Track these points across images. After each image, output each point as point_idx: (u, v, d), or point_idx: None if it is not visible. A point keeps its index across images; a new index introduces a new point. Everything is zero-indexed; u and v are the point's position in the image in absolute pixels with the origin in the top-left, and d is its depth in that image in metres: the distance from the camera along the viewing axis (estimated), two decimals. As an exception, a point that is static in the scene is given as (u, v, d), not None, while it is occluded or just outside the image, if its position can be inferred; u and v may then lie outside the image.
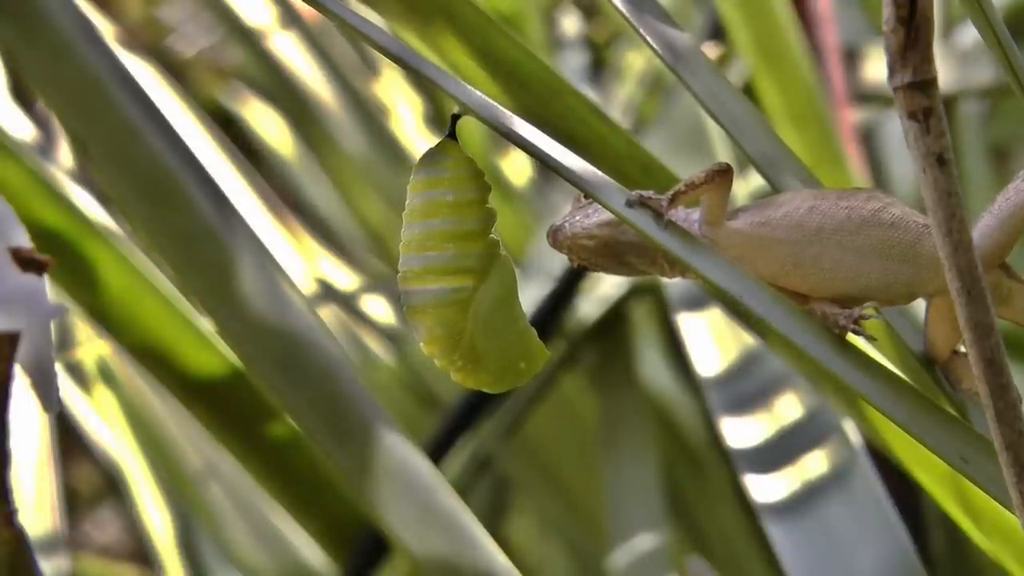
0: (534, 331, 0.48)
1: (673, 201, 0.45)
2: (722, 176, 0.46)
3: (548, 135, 0.44)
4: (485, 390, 0.48)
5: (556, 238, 0.48)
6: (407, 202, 0.47)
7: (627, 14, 0.48)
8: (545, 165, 0.44)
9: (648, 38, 0.48)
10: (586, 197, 0.47)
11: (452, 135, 0.47)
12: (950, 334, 0.48)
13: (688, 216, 0.47)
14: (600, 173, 0.44)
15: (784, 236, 0.46)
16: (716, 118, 0.48)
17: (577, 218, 0.48)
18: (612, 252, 0.48)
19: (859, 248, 0.46)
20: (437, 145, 0.47)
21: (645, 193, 0.44)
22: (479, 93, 0.44)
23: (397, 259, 0.47)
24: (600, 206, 0.46)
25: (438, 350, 0.47)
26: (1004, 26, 0.45)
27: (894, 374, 0.45)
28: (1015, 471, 0.40)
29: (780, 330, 0.43)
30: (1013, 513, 0.41)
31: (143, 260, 0.66)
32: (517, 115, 0.44)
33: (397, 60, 0.44)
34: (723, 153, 0.86)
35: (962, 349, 0.48)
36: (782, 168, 0.49)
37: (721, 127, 0.48)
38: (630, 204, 0.44)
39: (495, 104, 0.44)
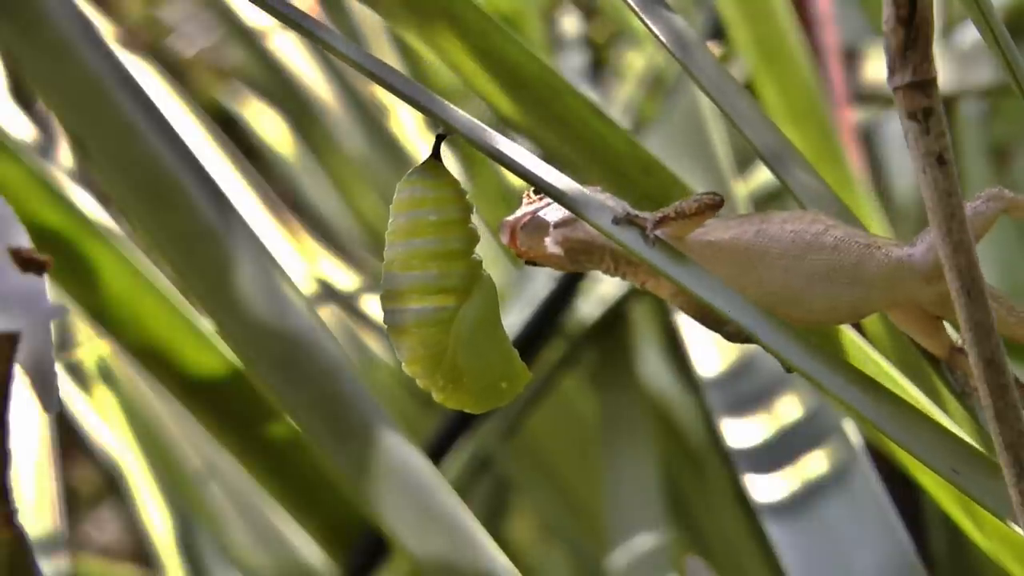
0: (516, 352, 0.48)
1: (659, 224, 0.45)
2: (712, 210, 0.46)
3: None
4: (467, 410, 0.48)
5: (514, 233, 0.48)
6: (390, 221, 0.47)
7: (635, 7, 0.48)
8: (531, 183, 0.44)
9: (656, 31, 0.48)
10: (536, 193, 0.47)
11: (436, 155, 0.47)
12: (930, 332, 0.48)
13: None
14: (586, 191, 0.44)
15: (730, 259, 0.47)
16: (722, 109, 0.48)
17: (542, 216, 0.48)
18: (567, 250, 0.48)
19: (804, 272, 0.47)
20: (421, 164, 0.47)
21: (631, 212, 0.44)
22: (462, 112, 0.44)
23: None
24: (553, 204, 0.46)
25: (420, 369, 0.47)
26: (1003, 26, 0.45)
27: (882, 385, 0.45)
28: (1015, 471, 0.40)
29: (769, 344, 0.44)
30: (1006, 523, 0.41)
31: (143, 260, 0.66)
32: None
33: (383, 83, 0.44)
34: (723, 153, 0.86)
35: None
36: (788, 161, 0.49)
37: (728, 119, 0.48)
38: (616, 222, 0.44)
39: (479, 123, 0.44)
